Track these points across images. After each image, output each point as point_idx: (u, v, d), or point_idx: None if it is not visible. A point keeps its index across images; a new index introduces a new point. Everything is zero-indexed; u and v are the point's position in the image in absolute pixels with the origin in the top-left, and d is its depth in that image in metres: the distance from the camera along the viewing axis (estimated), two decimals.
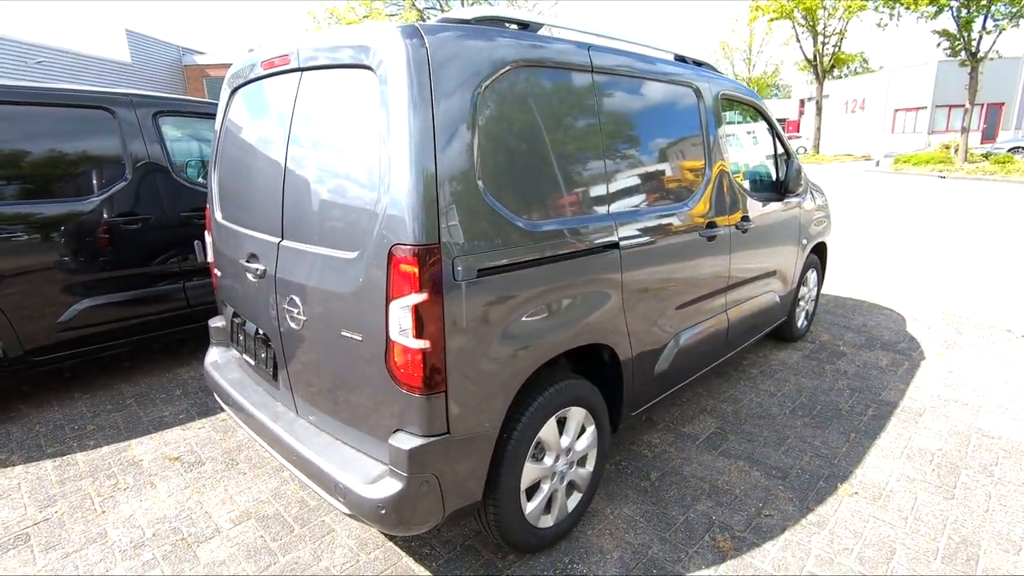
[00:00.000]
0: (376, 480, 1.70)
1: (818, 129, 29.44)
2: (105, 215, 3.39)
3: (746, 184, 3.19)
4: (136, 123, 3.55)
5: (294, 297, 1.94)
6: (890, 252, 7.28)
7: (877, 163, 22.08)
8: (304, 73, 1.93)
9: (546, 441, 2.02)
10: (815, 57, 28.53)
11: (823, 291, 5.54)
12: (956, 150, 20.78)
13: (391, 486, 1.66)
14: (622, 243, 2.16)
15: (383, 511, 1.66)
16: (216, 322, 2.71)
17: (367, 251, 1.65)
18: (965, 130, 19.99)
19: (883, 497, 2.42)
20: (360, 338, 1.73)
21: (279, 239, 1.99)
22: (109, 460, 2.82)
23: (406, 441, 1.65)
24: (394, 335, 1.61)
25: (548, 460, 2.05)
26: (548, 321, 1.89)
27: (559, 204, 1.94)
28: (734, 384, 3.56)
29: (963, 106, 20.37)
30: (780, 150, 3.56)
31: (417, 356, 1.59)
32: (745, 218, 2.97)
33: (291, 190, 1.94)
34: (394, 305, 1.59)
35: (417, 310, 1.56)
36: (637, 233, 2.24)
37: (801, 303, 4.14)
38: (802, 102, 41.37)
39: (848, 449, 2.79)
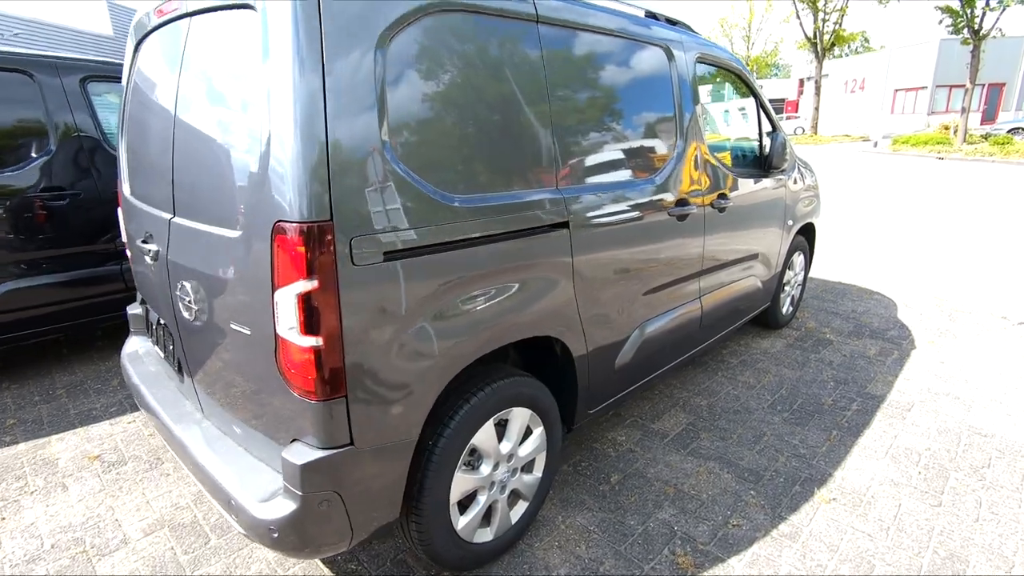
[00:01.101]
0: (269, 498, 1.46)
1: (816, 109, 28.96)
2: (27, 190, 3.09)
3: (725, 158, 2.91)
4: (61, 89, 3.24)
5: (185, 283, 1.67)
6: (883, 235, 7.03)
7: (875, 144, 21.73)
8: (192, 19, 1.63)
9: (482, 447, 1.78)
10: (815, 35, 27.94)
11: (811, 275, 5.30)
12: (955, 131, 20.44)
13: (284, 506, 1.42)
14: (573, 222, 1.89)
15: (276, 534, 1.42)
16: (133, 309, 2.44)
17: (250, 229, 1.39)
18: (965, 111, 19.62)
19: (864, 504, 2.20)
20: (249, 332, 1.47)
21: (171, 215, 1.72)
22: (23, 459, 2.58)
23: (300, 454, 1.40)
24: (281, 330, 1.35)
25: (485, 468, 1.82)
26: (479, 313, 1.64)
27: (494, 176, 1.67)
28: (711, 375, 3.33)
29: (964, 86, 19.97)
30: (765, 122, 3.27)
31: (308, 356, 1.33)
32: (723, 196, 2.70)
33: (180, 159, 1.66)
34: (279, 295, 1.33)
35: (306, 301, 1.30)
36: (592, 211, 1.97)
37: (786, 288, 3.90)
38: (801, 82, 40.72)
39: (828, 449, 2.57)
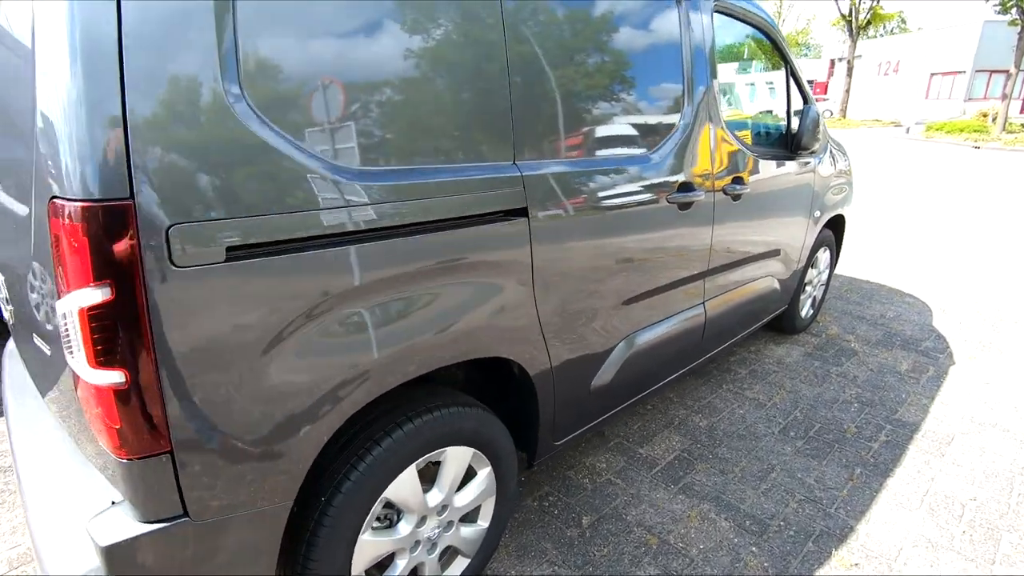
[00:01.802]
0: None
1: (847, 91, 27.69)
2: None
3: (744, 134, 2.42)
4: None
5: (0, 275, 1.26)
6: (915, 228, 6.44)
7: (907, 130, 20.67)
8: None
9: (401, 501, 1.37)
10: (851, 12, 26.55)
11: (834, 272, 4.78)
12: (994, 118, 19.33)
13: None
14: (535, 209, 1.44)
15: None
16: None
17: (33, 208, 0.96)
18: (1007, 97, 18.49)
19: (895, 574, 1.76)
20: (49, 352, 1.06)
21: None
22: None
23: (109, 528, 0.99)
24: (69, 359, 0.93)
25: (406, 526, 1.40)
26: (387, 333, 1.20)
27: (417, 142, 1.21)
28: (714, 387, 2.88)
29: (1007, 71, 18.81)
30: (795, 93, 2.75)
31: (105, 396, 0.91)
32: (738, 180, 2.22)
33: None
34: (60, 306, 0.90)
35: (96, 317, 0.88)
36: (562, 195, 1.51)
37: (807, 289, 3.41)
38: (832, 63, 39.08)
39: (851, 492, 2.13)
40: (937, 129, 19.05)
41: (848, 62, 27.54)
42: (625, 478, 2.18)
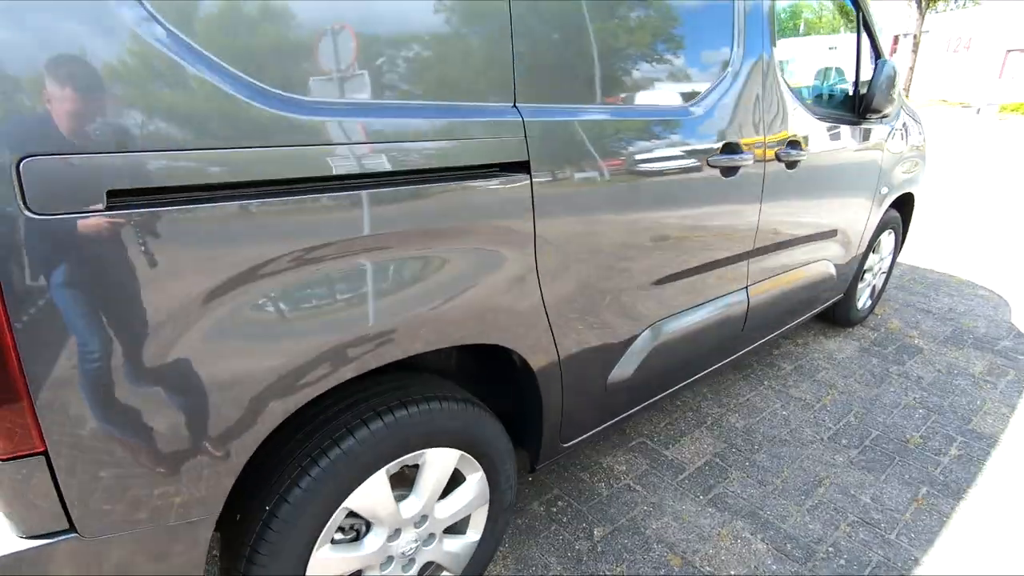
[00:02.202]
0: None
1: (911, 69, 25.86)
2: None
3: (802, 90, 2.06)
4: None
5: None
6: (988, 215, 5.82)
7: (978, 111, 19.17)
8: None
9: (367, 511, 1.15)
10: None
11: (898, 258, 4.32)
12: None
13: None
14: (539, 164, 1.17)
15: None
16: None
17: None
18: None
19: None
20: None
21: None
22: None
23: None
24: None
25: (375, 539, 1.18)
26: (343, 308, 0.96)
27: (389, 73, 0.96)
28: (754, 383, 2.56)
29: None
30: (865, 46, 2.36)
31: None
32: (794, 144, 1.88)
33: None
34: None
35: None
36: (574, 148, 1.23)
37: (866, 276, 3.03)
38: (896, 38, 36.61)
39: (915, 515, 1.81)
40: (1012, 110, 17.60)
41: (915, 37, 25.68)
42: (646, 484, 1.92)
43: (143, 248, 0.75)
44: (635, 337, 1.59)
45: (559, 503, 1.83)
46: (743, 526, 1.75)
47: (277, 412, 0.93)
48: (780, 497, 1.87)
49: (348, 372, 1.00)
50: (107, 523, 0.82)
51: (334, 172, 0.90)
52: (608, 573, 1.57)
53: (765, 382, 2.58)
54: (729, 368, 2.63)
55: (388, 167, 0.95)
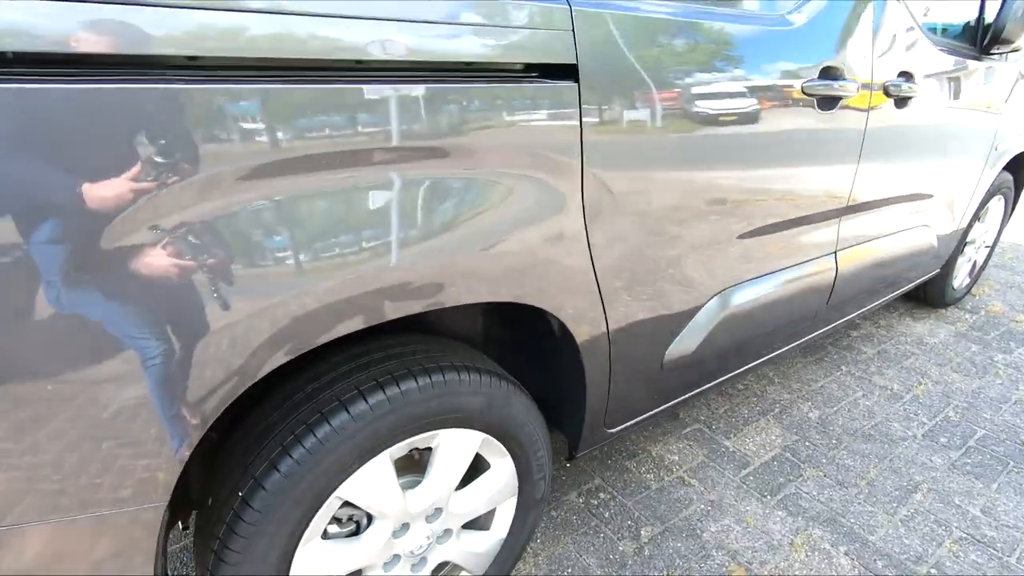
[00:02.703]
0: None
1: None
2: None
3: (915, 12, 1.69)
4: None
5: None
6: None
7: None
8: None
9: (366, 502, 0.94)
10: None
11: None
12: None
13: None
14: (592, 70, 0.90)
15: None
16: None
17: None
18: None
19: None
20: None
21: None
22: None
23: None
24: None
25: (377, 535, 0.98)
26: (350, 238, 0.74)
27: None
28: (829, 368, 2.24)
29: None
30: None
31: None
32: (906, 76, 1.53)
33: None
34: None
35: None
36: (637, 53, 0.95)
37: (966, 250, 2.61)
38: None
39: None
40: None
41: None
42: (703, 478, 1.66)
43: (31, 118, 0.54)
44: (700, 306, 1.32)
45: (600, 495, 1.59)
46: (821, 535, 1.47)
47: (248, 371, 0.72)
48: (866, 503, 1.57)
49: (345, 326, 0.79)
50: (8, 512, 0.64)
51: (320, 59, 0.66)
52: None
53: (843, 367, 2.25)
54: (798, 350, 2.31)
55: (383, 57, 0.71)
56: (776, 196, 1.34)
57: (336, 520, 0.99)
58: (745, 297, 1.41)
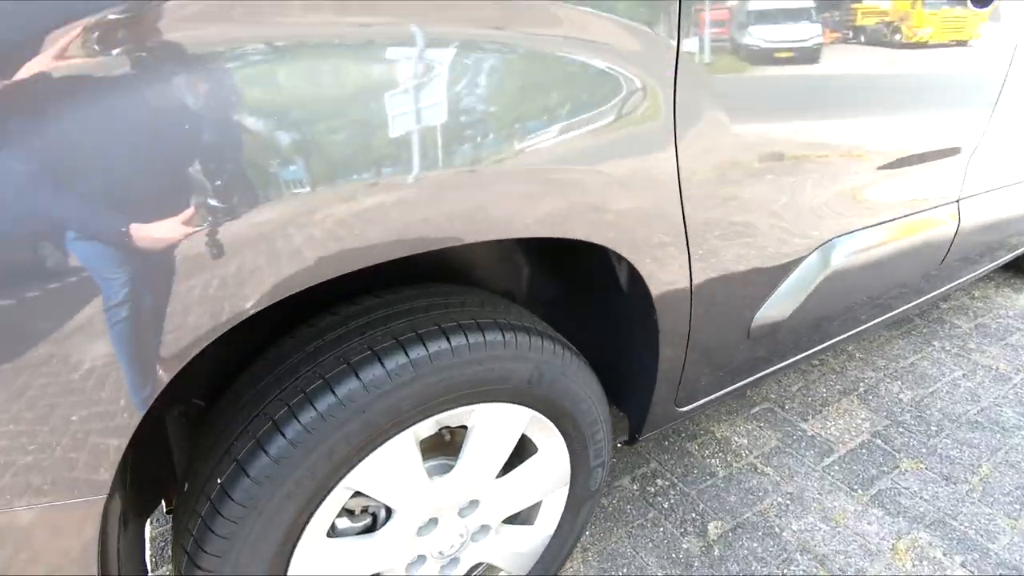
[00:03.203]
0: None
1: None
2: None
3: None
4: None
5: None
6: None
7: None
8: None
9: (387, 494, 0.74)
10: None
11: None
12: None
13: None
14: None
15: None
16: None
17: None
18: None
19: None
20: None
21: None
22: None
23: None
24: None
25: (398, 532, 0.78)
26: (364, 135, 0.52)
27: None
28: (918, 342, 1.94)
29: None
30: None
31: None
32: None
33: None
34: None
35: None
36: None
37: None
38: None
39: None
40: None
41: None
42: (779, 466, 1.42)
43: None
44: (798, 261, 1.06)
45: (658, 481, 1.37)
46: (930, 540, 1.22)
47: (221, 313, 0.51)
48: (981, 503, 1.31)
49: (355, 259, 0.57)
50: None
51: None
52: None
53: (935, 342, 1.95)
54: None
55: None
56: (904, 119, 1.05)
57: (347, 512, 0.79)
58: (851, 251, 1.14)
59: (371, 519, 0.81)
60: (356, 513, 0.80)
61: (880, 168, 1.09)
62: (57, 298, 0.44)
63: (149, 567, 0.97)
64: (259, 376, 0.71)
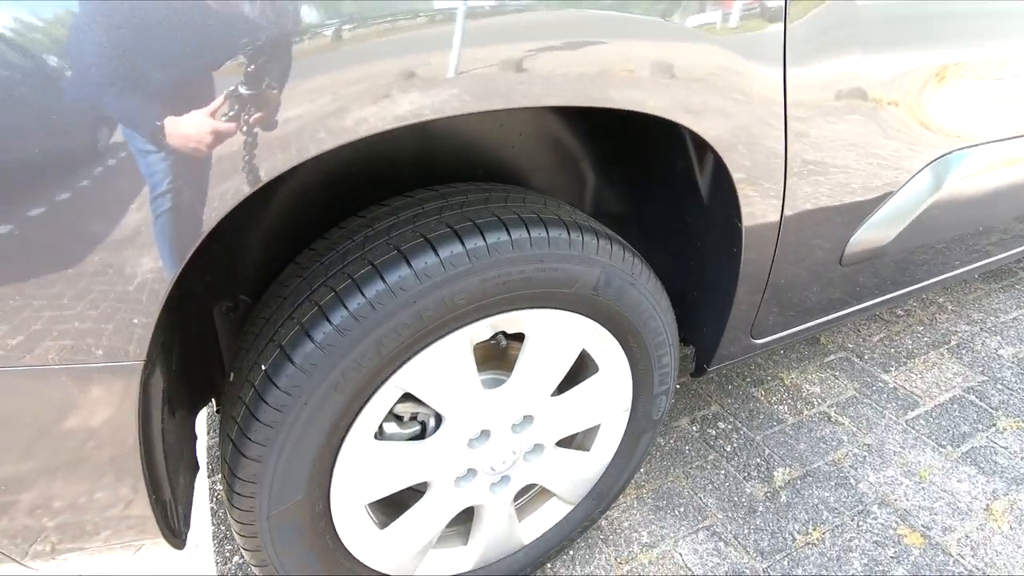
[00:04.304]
0: None
1: None
2: None
3: None
4: None
5: None
6: None
7: None
8: None
9: (437, 397, 0.69)
10: None
11: None
12: None
13: None
14: None
15: None
16: None
17: None
18: None
19: None
20: None
21: None
22: None
23: None
24: None
25: (448, 440, 0.73)
26: None
27: None
28: (1020, 296, 1.73)
29: None
30: None
31: None
32: None
33: None
34: None
35: None
36: None
37: None
38: None
39: None
40: None
41: None
42: (856, 417, 1.30)
43: None
44: (908, 179, 0.92)
45: (720, 424, 1.29)
46: None
47: (252, 175, 0.46)
48: None
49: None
50: None
51: None
52: (799, 538, 1.03)
53: None
54: (979, 275, 1.81)
55: None
56: None
57: (396, 418, 0.75)
58: (968, 171, 0.99)
59: (420, 428, 0.76)
60: (405, 420, 0.76)
61: (1013, 67, 0.92)
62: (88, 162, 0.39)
63: (203, 465, 0.98)
64: (305, 266, 0.66)
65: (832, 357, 1.49)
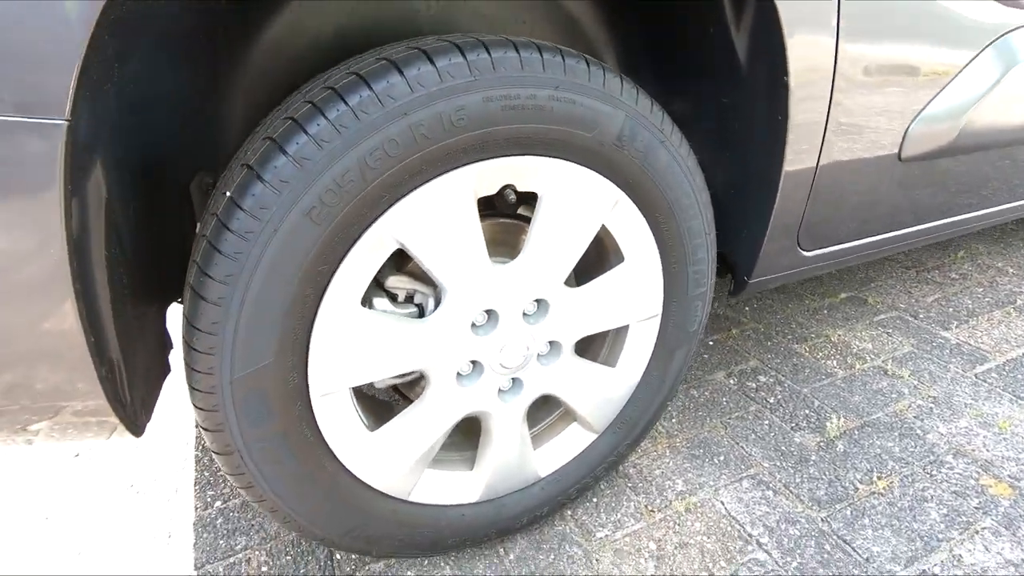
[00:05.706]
0: None
1: None
2: None
3: None
4: None
5: None
6: None
7: None
8: None
9: (432, 254, 0.58)
10: None
11: None
12: None
13: None
14: None
15: None
16: None
17: None
18: None
19: None
20: None
21: None
22: None
23: None
24: None
25: (448, 318, 0.62)
26: None
27: None
28: None
29: None
30: None
31: None
32: None
33: None
34: None
35: None
36: None
37: None
38: None
39: None
40: None
41: None
42: (916, 371, 1.15)
43: None
44: (970, 60, 0.81)
45: (761, 378, 1.15)
46: None
47: None
48: None
49: None
50: None
51: None
52: (862, 487, 0.88)
53: None
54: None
55: None
56: None
57: (389, 296, 0.65)
58: None
59: (418, 312, 0.66)
60: (400, 300, 0.66)
61: None
62: None
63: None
64: (286, 101, 0.58)
65: (882, 316, 1.35)
